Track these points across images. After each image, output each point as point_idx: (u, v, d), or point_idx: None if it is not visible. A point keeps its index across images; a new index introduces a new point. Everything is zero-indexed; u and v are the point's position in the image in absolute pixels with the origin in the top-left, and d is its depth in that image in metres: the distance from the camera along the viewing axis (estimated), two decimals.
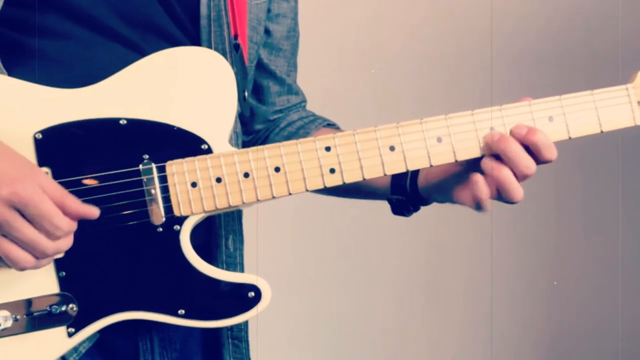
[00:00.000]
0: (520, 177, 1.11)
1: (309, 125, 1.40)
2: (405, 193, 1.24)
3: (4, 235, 1.01)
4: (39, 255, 1.03)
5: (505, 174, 1.10)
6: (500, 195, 1.11)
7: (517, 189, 1.10)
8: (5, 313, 1.10)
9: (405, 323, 2.90)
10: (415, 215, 1.27)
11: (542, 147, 1.10)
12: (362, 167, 1.13)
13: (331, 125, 1.41)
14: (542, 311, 3.02)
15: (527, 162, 1.10)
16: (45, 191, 1.02)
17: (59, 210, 1.03)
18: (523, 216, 2.86)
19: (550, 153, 1.11)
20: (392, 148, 1.13)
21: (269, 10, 1.33)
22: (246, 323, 1.29)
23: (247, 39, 1.27)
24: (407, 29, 2.79)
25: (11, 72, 1.14)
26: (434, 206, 1.24)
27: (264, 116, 1.42)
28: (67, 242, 1.06)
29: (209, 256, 1.23)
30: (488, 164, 1.11)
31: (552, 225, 3.00)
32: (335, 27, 2.59)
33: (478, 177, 1.11)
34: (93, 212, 1.07)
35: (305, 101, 1.49)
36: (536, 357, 3.04)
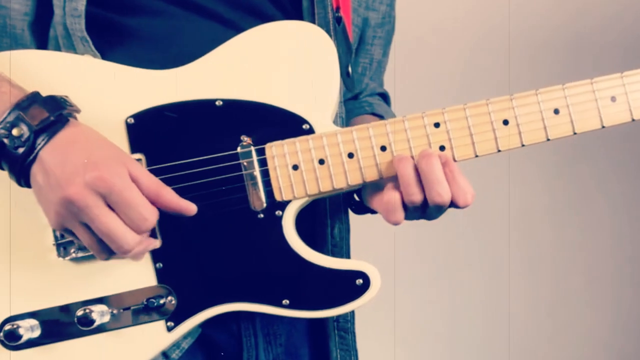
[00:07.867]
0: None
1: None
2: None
3: (85, 224, 0.94)
4: (116, 248, 0.95)
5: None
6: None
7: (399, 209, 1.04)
8: (102, 308, 1.05)
9: (516, 319, 2.80)
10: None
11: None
12: (473, 142, 1.06)
13: (376, 115, 1.33)
14: None
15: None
16: (139, 181, 0.95)
17: (147, 200, 0.96)
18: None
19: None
20: (505, 122, 1.06)
21: None
22: (353, 314, 1.22)
23: (351, 21, 1.21)
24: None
25: (105, 54, 1.09)
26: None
27: None
28: (154, 240, 1.00)
29: (315, 246, 1.15)
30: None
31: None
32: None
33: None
34: (190, 208, 1.01)
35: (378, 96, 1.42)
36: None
